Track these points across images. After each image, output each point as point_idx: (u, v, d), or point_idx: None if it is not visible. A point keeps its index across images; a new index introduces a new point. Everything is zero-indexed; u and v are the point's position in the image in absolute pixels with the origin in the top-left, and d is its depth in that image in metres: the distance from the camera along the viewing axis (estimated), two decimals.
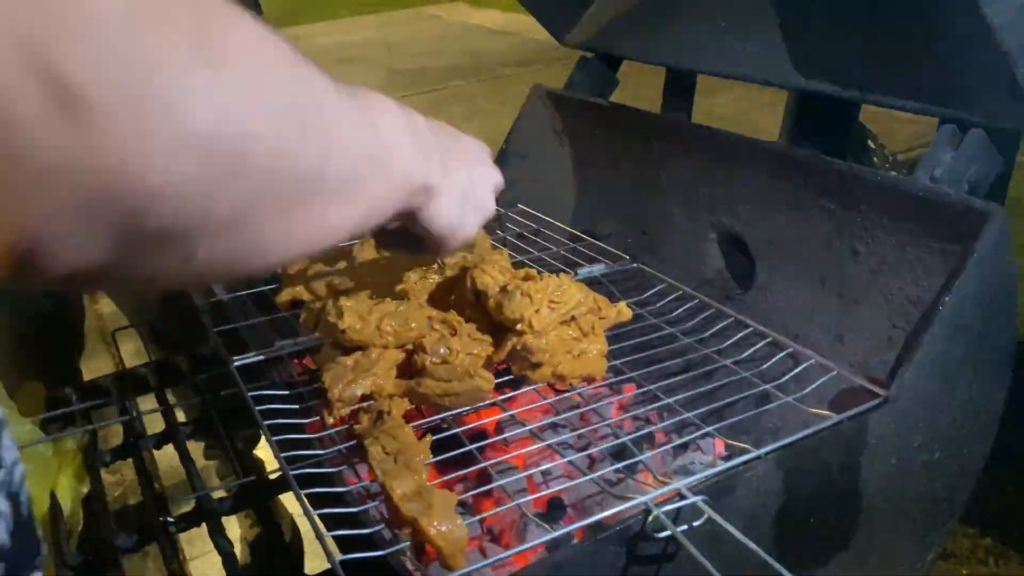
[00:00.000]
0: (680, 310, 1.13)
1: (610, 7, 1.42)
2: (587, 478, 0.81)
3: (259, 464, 0.96)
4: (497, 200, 0.79)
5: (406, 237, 0.72)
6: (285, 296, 1.07)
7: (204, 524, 0.87)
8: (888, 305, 1.02)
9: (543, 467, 0.91)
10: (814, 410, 0.89)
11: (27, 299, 1.59)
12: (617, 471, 0.90)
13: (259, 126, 0.36)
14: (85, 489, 0.93)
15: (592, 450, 0.96)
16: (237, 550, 2.15)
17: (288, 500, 0.91)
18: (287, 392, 0.91)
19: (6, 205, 0.30)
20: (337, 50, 7.68)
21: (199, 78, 0.32)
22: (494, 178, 0.78)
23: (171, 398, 1.09)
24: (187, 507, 0.90)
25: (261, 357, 0.96)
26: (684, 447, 1.06)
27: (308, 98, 0.42)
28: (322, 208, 0.44)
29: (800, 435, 0.83)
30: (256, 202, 0.38)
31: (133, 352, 3.20)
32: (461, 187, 0.68)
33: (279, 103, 0.38)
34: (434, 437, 0.83)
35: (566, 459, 0.87)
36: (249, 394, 0.88)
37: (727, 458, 0.84)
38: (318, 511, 0.76)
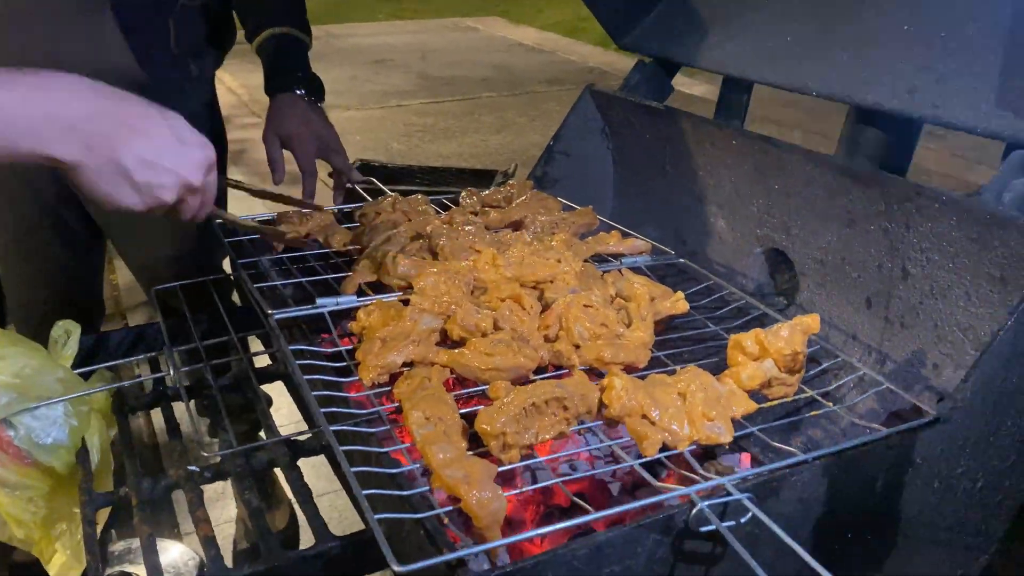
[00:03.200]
0: (726, 308, 1.11)
1: (673, 13, 1.41)
2: (630, 464, 0.79)
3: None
4: None
5: None
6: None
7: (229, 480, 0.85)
8: (936, 331, 1.00)
9: (573, 450, 0.89)
10: (862, 422, 0.87)
11: (52, 260, 1.58)
12: (657, 460, 0.87)
13: None
14: (113, 432, 0.92)
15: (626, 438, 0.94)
16: (231, 529, 2.11)
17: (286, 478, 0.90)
18: (327, 350, 0.90)
19: None
20: (373, 51, 7.73)
21: None
22: (171, 178, 0.85)
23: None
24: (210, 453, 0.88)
25: (302, 312, 0.95)
26: (711, 453, 1.04)
27: None
28: None
29: (849, 444, 0.81)
30: None
31: (147, 319, 3.19)
32: (115, 162, 0.80)
33: None
34: (462, 411, 0.82)
35: (600, 445, 0.85)
36: (289, 348, 0.87)
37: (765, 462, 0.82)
38: (353, 469, 0.74)
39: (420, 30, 9.02)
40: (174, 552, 2.15)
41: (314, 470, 0.89)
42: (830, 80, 1.16)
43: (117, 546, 1.68)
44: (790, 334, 0.89)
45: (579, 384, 0.83)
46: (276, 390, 1.20)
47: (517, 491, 0.76)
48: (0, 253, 1.63)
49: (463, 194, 1.39)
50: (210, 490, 1.96)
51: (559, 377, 0.95)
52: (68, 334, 0.95)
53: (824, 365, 0.99)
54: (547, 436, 0.78)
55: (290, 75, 1.47)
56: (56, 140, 0.76)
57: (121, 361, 1.01)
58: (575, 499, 0.75)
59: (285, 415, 1.81)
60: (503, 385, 0.83)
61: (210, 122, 1.51)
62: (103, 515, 0.85)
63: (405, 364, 0.89)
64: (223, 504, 2.18)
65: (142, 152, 0.82)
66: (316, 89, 1.49)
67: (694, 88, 5.70)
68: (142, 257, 1.60)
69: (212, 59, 1.48)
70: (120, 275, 3.40)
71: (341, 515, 2.11)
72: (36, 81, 0.76)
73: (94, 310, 1.75)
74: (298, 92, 1.46)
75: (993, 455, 0.93)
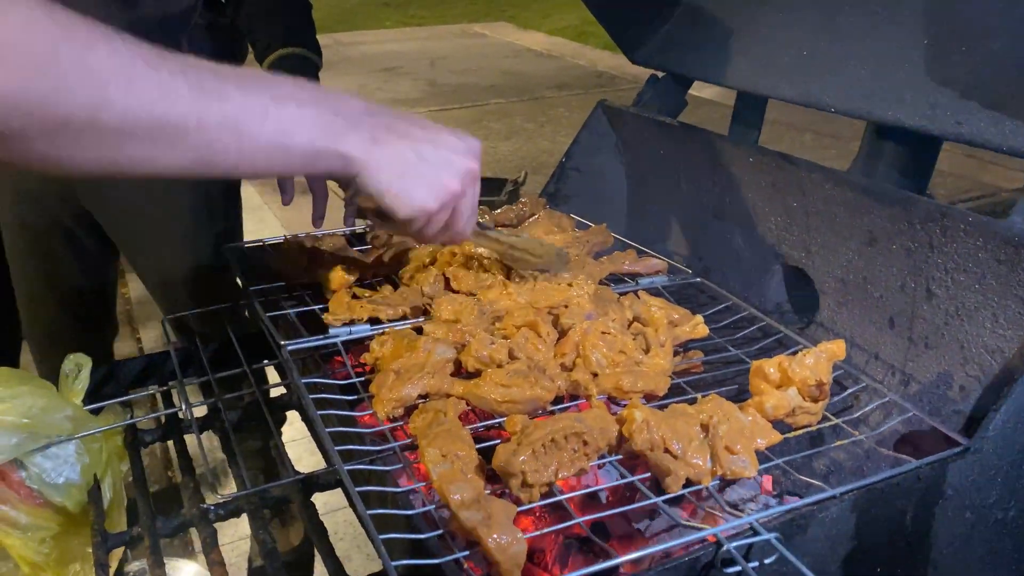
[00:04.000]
0: (746, 331, 1.09)
1: (686, 27, 1.39)
2: (652, 501, 0.77)
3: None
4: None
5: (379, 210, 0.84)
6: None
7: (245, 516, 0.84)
8: (963, 352, 0.98)
9: (594, 488, 0.87)
10: (889, 452, 0.84)
11: (65, 279, 1.58)
12: (677, 498, 0.85)
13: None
14: (124, 466, 0.91)
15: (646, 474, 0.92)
16: (246, 546, 2.10)
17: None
18: (341, 382, 0.88)
19: None
20: (382, 59, 7.74)
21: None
22: (460, 161, 0.84)
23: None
24: (224, 494, 0.87)
25: (315, 343, 0.94)
26: (732, 481, 1.01)
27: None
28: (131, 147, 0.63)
29: (878, 478, 0.79)
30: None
31: (156, 339, 3.18)
32: (397, 159, 0.79)
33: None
34: (478, 446, 0.80)
35: (622, 481, 0.83)
36: (303, 380, 0.85)
37: (784, 495, 0.80)
38: (369, 512, 0.72)
39: (428, 37, 9.03)
40: (188, 572, 2.14)
41: None
42: (849, 96, 1.13)
43: (132, 566, 1.67)
44: (815, 362, 0.87)
45: (598, 418, 0.81)
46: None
47: (538, 533, 0.74)
48: (14, 270, 1.64)
49: None
50: None
51: (577, 407, 0.93)
52: (79, 368, 0.94)
53: (849, 390, 0.97)
54: (567, 473, 0.77)
55: None
56: (347, 135, 0.76)
57: (132, 396, 0.99)
58: (598, 542, 0.73)
59: (298, 429, 1.80)
60: (520, 419, 0.81)
61: None
62: (116, 555, 0.83)
63: (420, 396, 0.87)
64: (237, 520, 2.17)
65: (424, 139, 0.81)
66: None
67: (704, 91, 5.67)
68: (159, 276, 1.60)
69: None
70: (132, 288, 3.41)
71: (358, 531, 2.10)
72: (309, 85, 0.76)
73: (107, 327, 1.75)
74: None
75: None
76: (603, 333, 0.95)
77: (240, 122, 0.69)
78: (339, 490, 0.89)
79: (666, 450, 0.79)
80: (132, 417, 0.96)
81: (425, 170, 0.82)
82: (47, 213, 1.51)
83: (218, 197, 1.56)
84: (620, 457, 0.82)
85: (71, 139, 0.60)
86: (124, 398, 0.97)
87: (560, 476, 0.77)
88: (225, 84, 0.68)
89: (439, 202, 0.83)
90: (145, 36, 0.62)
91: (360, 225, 1.33)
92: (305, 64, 1.46)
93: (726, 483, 1.00)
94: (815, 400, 0.90)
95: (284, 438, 1.12)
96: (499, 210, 1.39)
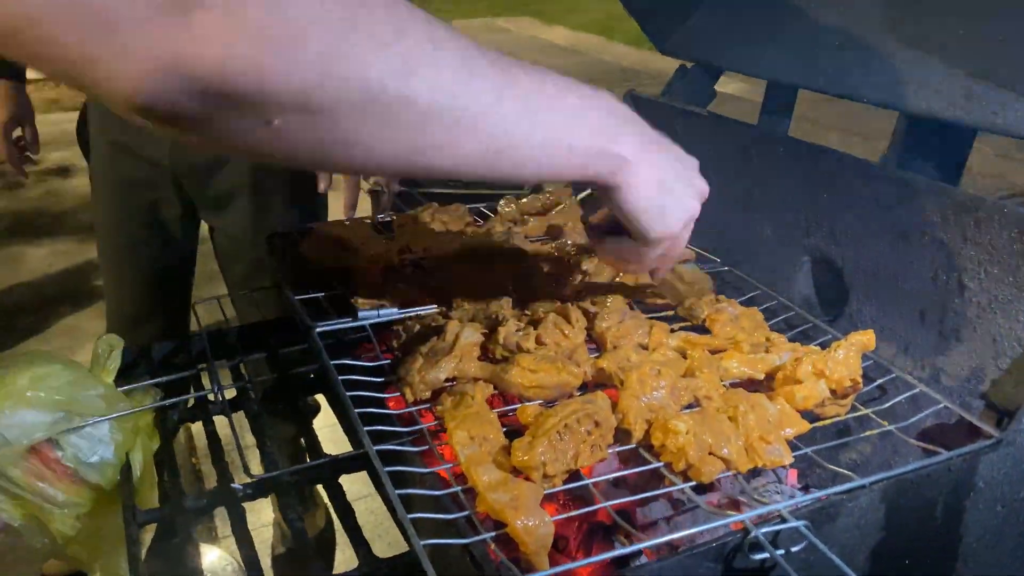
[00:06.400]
0: (774, 320, 1.08)
1: (715, 17, 1.39)
2: (678, 487, 0.77)
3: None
4: None
5: (613, 231, 0.78)
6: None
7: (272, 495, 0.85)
8: (995, 346, 0.97)
9: (618, 473, 0.87)
10: (918, 442, 0.84)
11: (147, 258, 1.65)
12: (704, 487, 0.85)
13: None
14: (155, 446, 0.92)
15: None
16: (268, 533, 2.12)
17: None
18: (369, 364, 0.89)
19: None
20: None
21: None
22: (699, 182, 0.79)
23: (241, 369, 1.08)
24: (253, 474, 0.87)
25: (344, 324, 0.94)
26: (756, 471, 1.01)
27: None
28: (412, 136, 0.55)
29: (908, 468, 0.78)
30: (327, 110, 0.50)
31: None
32: (660, 170, 0.73)
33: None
34: (506, 428, 0.80)
35: (648, 467, 0.83)
36: (332, 362, 0.86)
37: (809, 488, 0.80)
38: (397, 491, 0.73)
39: None
40: (212, 556, 2.17)
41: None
42: (881, 86, 1.12)
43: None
44: (846, 355, 0.86)
45: (604, 396, 0.81)
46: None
47: (564, 516, 0.74)
48: (101, 252, 1.74)
49: (501, 203, 1.38)
50: None
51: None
52: (111, 348, 0.96)
53: (878, 381, 0.96)
54: (587, 461, 0.77)
55: None
56: (623, 136, 0.70)
57: (163, 379, 1.01)
58: (624, 525, 0.73)
59: (320, 417, 1.82)
60: (531, 409, 0.82)
61: None
62: (149, 531, 0.85)
63: (447, 380, 0.87)
64: (261, 507, 2.19)
65: (673, 149, 0.76)
66: None
67: (727, 86, 5.64)
68: (230, 244, 1.67)
69: None
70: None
71: (377, 521, 2.11)
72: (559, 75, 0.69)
73: (182, 318, 1.79)
74: None
75: None
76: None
77: (532, 108, 0.62)
78: (358, 479, 0.90)
79: (711, 453, 0.78)
80: (163, 398, 0.97)
81: (679, 189, 0.76)
82: (138, 196, 1.62)
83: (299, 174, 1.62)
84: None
85: (376, 121, 0.52)
86: (154, 380, 0.99)
87: (580, 464, 0.77)
88: (511, 64, 0.61)
89: (684, 225, 0.78)
90: None
91: (387, 214, 1.33)
92: None
93: (752, 474, 0.99)
94: (846, 395, 0.90)
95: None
96: (525, 199, 1.39)
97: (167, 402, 0.96)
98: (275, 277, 1.12)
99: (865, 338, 0.91)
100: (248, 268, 1.67)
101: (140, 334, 1.68)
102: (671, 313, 1.09)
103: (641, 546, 0.69)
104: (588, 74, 6.96)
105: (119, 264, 1.71)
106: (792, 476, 1.02)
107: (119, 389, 0.93)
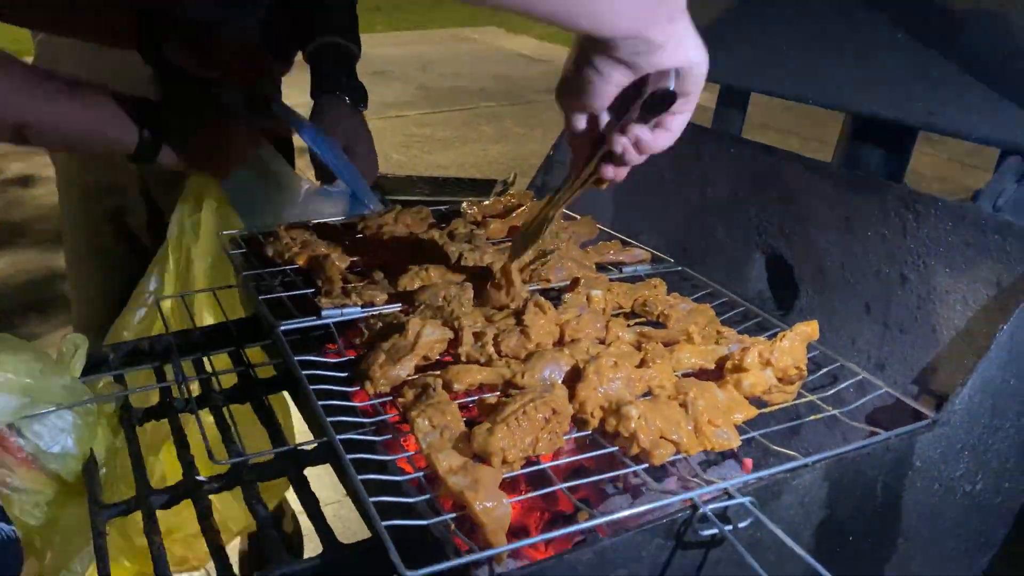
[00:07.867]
0: (727, 315, 1.12)
1: None
2: (631, 469, 0.80)
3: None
4: None
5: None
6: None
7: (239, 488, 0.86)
8: (935, 335, 1.01)
9: (575, 457, 0.90)
10: (862, 425, 0.88)
11: (115, 266, 1.65)
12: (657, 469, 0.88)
13: None
14: (119, 443, 0.93)
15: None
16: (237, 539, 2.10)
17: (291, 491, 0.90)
18: (333, 361, 0.91)
19: None
20: (373, 63, 7.76)
21: None
22: None
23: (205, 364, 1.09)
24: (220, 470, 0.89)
25: (307, 323, 0.96)
26: (712, 461, 1.04)
27: None
28: None
29: (849, 448, 0.82)
30: None
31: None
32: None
33: None
34: (466, 418, 0.82)
35: (603, 451, 0.86)
36: (296, 358, 0.88)
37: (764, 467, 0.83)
38: (360, 477, 0.75)
39: (419, 41, 9.06)
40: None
41: (317, 480, 0.90)
42: (827, 89, 1.17)
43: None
44: (791, 345, 0.90)
45: (561, 387, 0.84)
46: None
47: (521, 497, 0.77)
48: (68, 259, 1.74)
49: (464, 205, 1.41)
50: None
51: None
52: (76, 347, 0.96)
53: (824, 369, 1.00)
54: (545, 449, 0.79)
55: (333, 79, 1.53)
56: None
57: (127, 369, 1.02)
58: (579, 504, 0.76)
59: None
60: (491, 400, 0.84)
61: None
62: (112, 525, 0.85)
63: (408, 376, 0.90)
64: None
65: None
66: (357, 94, 1.56)
67: None
68: None
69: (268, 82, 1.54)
70: None
71: (345, 526, 2.12)
72: None
73: None
74: (339, 95, 1.52)
75: (992, 458, 0.94)
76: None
77: None
78: (327, 484, 0.92)
79: (662, 437, 0.81)
80: (126, 390, 0.98)
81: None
82: (102, 200, 1.62)
83: None
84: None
85: None
86: (118, 371, 1.00)
87: (538, 450, 0.79)
88: None
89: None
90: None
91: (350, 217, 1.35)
92: (342, 52, 1.55)
93: (707, 464, 1.03)
94: (791, 383, 0.94)
95: None
96: (487, 202, 1.42)
97: (129, 391, 0.97)
98: (240, 277, 1.13)
99: (809, 328, 0.95)
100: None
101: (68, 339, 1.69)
102: (629, 310, 1.12)
103: (594, 523, 0.72)
104: (553, 82, 6.99)
105: (86, 270, 1.70)
106: (747, 465, 1.06)
107: (82, 380, 0.94)
